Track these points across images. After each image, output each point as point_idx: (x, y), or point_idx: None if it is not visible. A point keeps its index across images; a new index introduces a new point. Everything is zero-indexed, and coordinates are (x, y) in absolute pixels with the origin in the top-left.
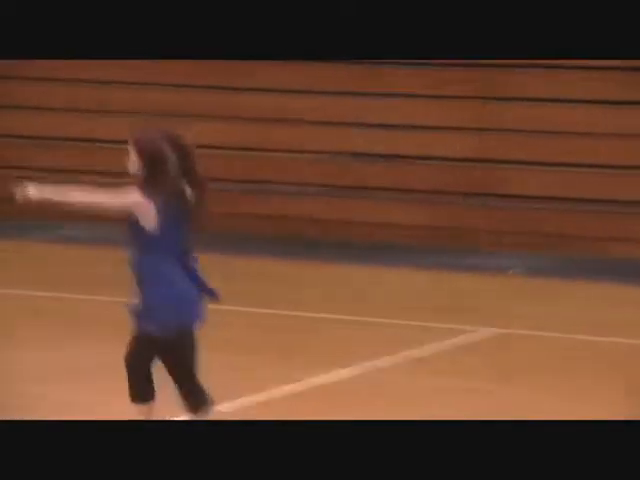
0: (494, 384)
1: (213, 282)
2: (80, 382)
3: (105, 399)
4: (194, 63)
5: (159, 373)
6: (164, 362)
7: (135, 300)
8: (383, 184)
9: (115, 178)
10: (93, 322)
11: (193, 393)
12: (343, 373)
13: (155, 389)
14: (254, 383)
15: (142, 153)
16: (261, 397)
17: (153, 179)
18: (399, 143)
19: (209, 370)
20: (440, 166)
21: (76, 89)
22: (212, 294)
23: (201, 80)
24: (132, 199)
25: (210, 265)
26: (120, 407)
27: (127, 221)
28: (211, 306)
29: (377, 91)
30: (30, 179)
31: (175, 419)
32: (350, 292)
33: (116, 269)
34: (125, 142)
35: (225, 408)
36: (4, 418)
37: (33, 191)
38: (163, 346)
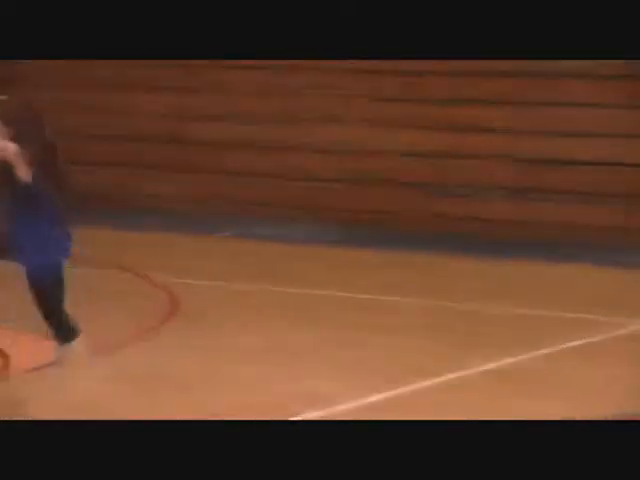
0: None
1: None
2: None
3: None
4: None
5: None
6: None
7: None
8: (565, 187)
9: None
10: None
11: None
12: (511, 361)
13: None
14: (424, 369)
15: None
16: (427, 384)
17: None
18: (575, 149)
19: (387, 355)
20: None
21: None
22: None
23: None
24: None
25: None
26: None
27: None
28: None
29: (555, 101)
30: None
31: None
32: (527, 287)
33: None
34: None
35: (397, 392)
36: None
37: None
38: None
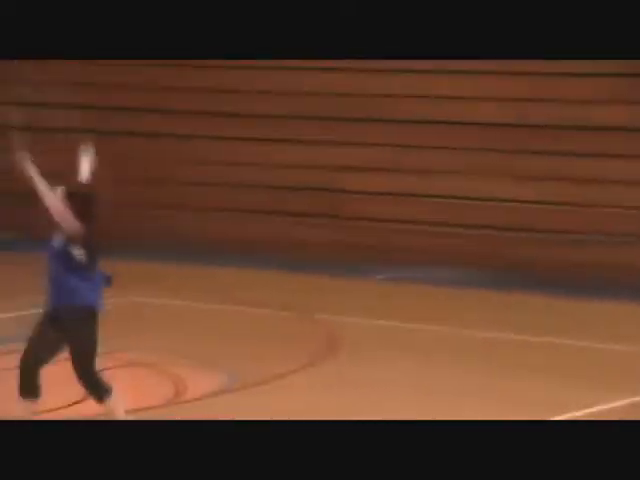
0: None
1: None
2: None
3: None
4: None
5: None
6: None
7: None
8: None
9: None
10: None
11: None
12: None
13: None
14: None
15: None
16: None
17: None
18: None
19: (514, 392)
20: None
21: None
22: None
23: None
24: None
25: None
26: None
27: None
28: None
29: None
30: None
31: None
32: None
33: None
34: None
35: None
36: None
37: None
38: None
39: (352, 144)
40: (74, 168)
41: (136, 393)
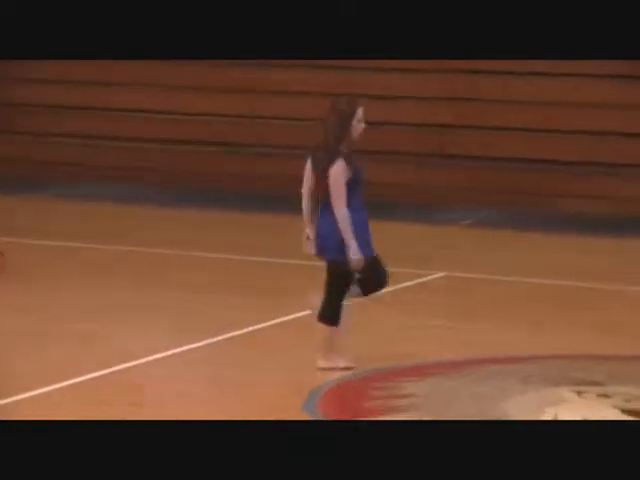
0: (456, 322)
1: None
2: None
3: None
4: None
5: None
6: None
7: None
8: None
9: None
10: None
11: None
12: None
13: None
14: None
15: None
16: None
17: None
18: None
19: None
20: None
21: None
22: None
23: None
24: None
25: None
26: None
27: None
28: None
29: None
30: None
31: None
32: None
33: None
34: None
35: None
36: None
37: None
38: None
39: None
40: None
41: None
